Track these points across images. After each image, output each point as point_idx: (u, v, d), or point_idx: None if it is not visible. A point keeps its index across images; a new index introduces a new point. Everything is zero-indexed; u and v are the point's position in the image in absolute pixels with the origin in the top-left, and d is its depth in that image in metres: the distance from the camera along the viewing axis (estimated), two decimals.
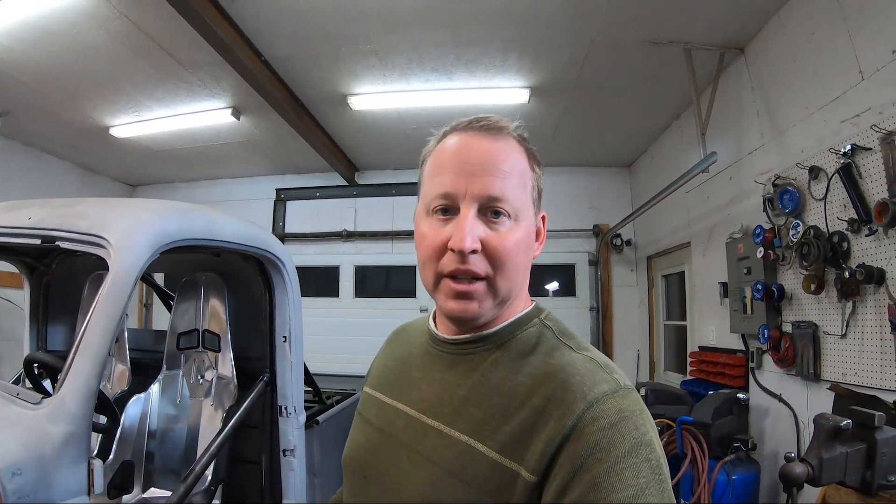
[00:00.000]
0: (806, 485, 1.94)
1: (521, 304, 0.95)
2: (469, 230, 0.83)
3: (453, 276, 0.85)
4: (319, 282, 7.32)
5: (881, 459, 1.88)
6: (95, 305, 1.79)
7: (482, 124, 0.90)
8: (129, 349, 3.11)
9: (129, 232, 1.91)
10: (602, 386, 0.78)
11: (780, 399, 3.48)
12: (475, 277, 0.84)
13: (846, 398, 2.68)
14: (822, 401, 3.02)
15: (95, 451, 2.76)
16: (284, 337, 2.71)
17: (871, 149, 2.68)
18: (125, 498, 2.62)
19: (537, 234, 0.95)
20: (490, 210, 0.85)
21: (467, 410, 0.86)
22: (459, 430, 0.84)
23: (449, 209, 0.87)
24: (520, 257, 0.88)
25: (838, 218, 2.90)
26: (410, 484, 0.86)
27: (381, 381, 1.07)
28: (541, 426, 0.76)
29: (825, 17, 3.03)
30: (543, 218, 0.97)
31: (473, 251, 0.83)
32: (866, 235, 2.71)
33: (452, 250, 0.83)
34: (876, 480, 1.89)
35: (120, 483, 2.52)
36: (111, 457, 2.68)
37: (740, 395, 3.53)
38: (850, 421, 1.85)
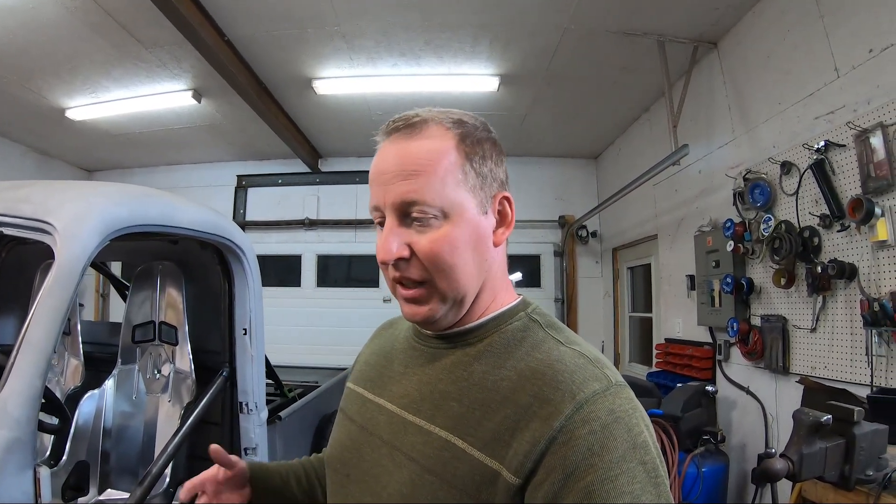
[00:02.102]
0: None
1: (504, 298, 0.91)
2: (389, 242, 0.82)
3: (399, 282, 0.85)
4: (281, 271, 7.17)
5: (859, 454, 1.87)
6: (39, 298, 1.63)
7: (396, 125, 0.86)
8: (83, 342, 2.94)
9: (76, 217, 1.75)
10: (592, 384, 0.74)
11: (748, 391, 3.52)
12: (416, 282, 0.83)
13: (815, 391, 2.71)
14: (790, 394, 3.05)
15: (48, 452, 2.60)
16: (245, 329, 2.58)
17: (844, 145, 2.70)
18: (81, 500, 2.46)
19: (502, 217, 0.89)
20: (411, 215, 0.82)
21: (447, 405, 0.82)
22: (439, 425, 0.81)
23: (383, 220, 0.85)
24: (457, 255, 0.82)
25: (810, 213, 2.92)
26: (391, 483, 0.83)
27: (364, 377, 1.04)
28: (524, 424, 0.73)
29: (802, 14, 3.03)
30: (506, 199, 0.90)
31: (401, 259, 0.82)
32: (838, 231, 2.73)
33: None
34: (854, 475, 1.88)
35: (75, 484, 2.36)
36: (65, 457, 2.53)
37: (709, 388, 3.55)
38: (830, 416, 1.83)
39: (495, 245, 0.88)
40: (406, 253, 0.81)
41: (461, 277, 0.83)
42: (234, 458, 1.05)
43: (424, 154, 0.82)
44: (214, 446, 1.02)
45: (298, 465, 1.17)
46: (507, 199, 0.89)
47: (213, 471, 1.04)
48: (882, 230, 2.44)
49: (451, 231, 0.82)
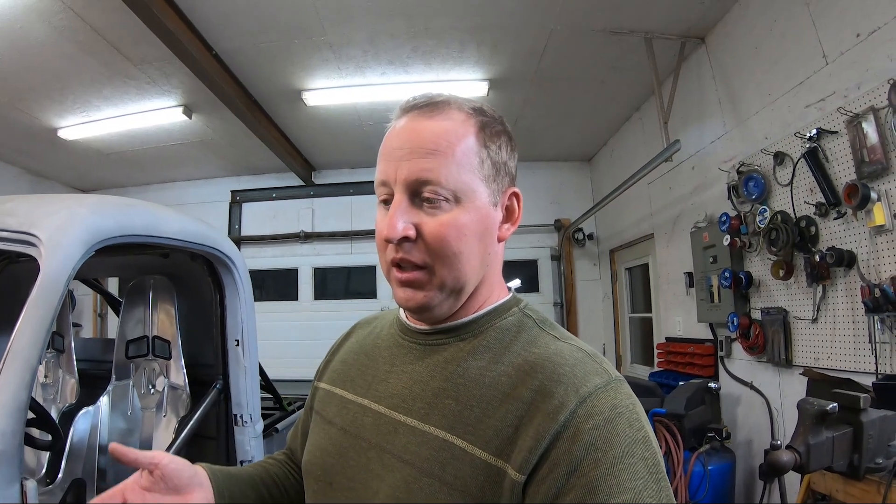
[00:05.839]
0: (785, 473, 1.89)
1: (497, 293, 0.89)
2: (397, 218, 0.78)
3: (396, 264, 0.81)
4: (278, 285, 7.15)
5: (868, 442, 1.83)
6: (24, 310, 1.60)
7: (417, 103, 0.84)
8: (77, 359, 2.93)
9: (60, 228, 1.73)
10: (593, 378, 0.73)
11: (752, 387, 3.47)
12: (416, 266, 0.80)
13: (820, 383, 2.66)
14: (794, 387, 3.01)
15: (44, 470, 2.56)
16: (237, 341, 2.54)
17: (836, 132, 2.68)
18: None
19: (509, 212, 0.88)
20: (423, 195, 0.79)
21: (442, 403, 0.79)
22: (434, 424, 0.77)
23: (388, 200, 0.82)
24: (464, 243, 0.80)
25: (805, 202, 2.90)
26: (382, 488, 0.78)
27: (342, 377, 0.98)
28: (528, 420, 0.71)
29: (788, 3, 3.02)
30: (515, 195, 0.89)
31: (406, 239, 0.78)
32: (835, 218, 2.71)
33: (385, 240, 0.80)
34: (863, 464, 1.84)
35: (72, 502, 2.32)
36: (60, 475, 2.50)
37: (711, 385, 3.50)
38: (836, 404, 1.79)
39: (499, 240, 0.87)
40: (412, 233, 0.78)
41: (464, 266, 0.81)
42: (152, 454, 0.87)
43: (444, 134, 0.80)
44: (112, 444, 0.86)
45: (259, 469, 1.08)
46: (517, 195, 0.89)
47: (135, 476, 0.88)
48: (879, 215, 2.41)
49: (461, 217, 0.79)
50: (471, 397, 0.77)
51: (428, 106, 0.83)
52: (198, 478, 0.92)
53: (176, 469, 0.88)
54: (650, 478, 0.67)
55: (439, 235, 0.78)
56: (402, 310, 0.95)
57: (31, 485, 1.52)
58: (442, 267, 0.79)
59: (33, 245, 1.70)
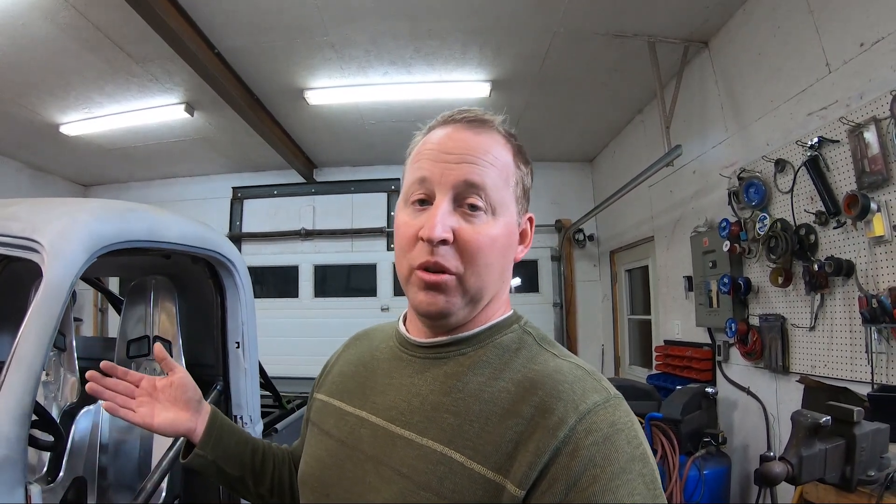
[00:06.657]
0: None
1: (500, 309, 0.91)
2: (441, 219, 0.79)
3: (424, 267, 0.80)
4: (278, 282, 7.16)
5: (860, 455, 1.84)
6: (28, 316, 1.62)
7: (465, 117, 0.88)
8: (78, 358, 2.93)
9: (62, 235, 1.73)
10: (593, 396, 0.74)
11: (749, 392, 3.49)
12: (446, 270, 0.80)
13: (816, 390, 2.68)
14: (790, 393, 3.02)
15: (45, 468, 2.59)
16: (237, 343, 2.56)
17: (838, 141, 2.68)
18: None
19: (523, 235, 0.92)
20: (466, 201, 0.81)
21: (441, 417, 0.79)
22: (433, 438, 0.78)
23: (426, 200, 0.83)
24: (494, 254, 0.82)
25: (805, 210, 2.90)
26: (378, 501, 0.79)
27: (339, 389, 0.99)
28: (528, 436, 0.71)
29: (791, 10, 3.02)
30: (531, 220, 0.93)
31: (444, 241, 0.79)
32: (834, 228, 2.71)
33: (423, 239, 0.79)
34: (855, 476, 1.85)
35: (73, 500, 2.34)
36: (62, 473, 2.51)
37: (709, 390, 3.51)
38: (829, 417, 1.80)
39: (514, 260, 0.90)
40: (451, 237, 0.79)
41: (489, 278, 0.83)
42: (175, 365, 1.08)
43: (491, 149, 0.84)
44: (157, 346, 1.10)
45: (260, 441, 1.16)
46: (531, 219, 0.93)
47: (159, 377, 1.08)
48: (878, 225, 2.42)
49: (493, 229, 0.82)
50: (470, 412, 0.77)
51: (475, 121, 0.87)
52: (200, 406, 1.09)
53: (182, 384, 1.07)
54: (648, 494, 0.67)
55: (476, 243, 0.80)
56: (401, 322, 0.96)
57: (35, 489, 1.53)
58: (471, 275, 0.81)
59: (36, 251, 1.71)
